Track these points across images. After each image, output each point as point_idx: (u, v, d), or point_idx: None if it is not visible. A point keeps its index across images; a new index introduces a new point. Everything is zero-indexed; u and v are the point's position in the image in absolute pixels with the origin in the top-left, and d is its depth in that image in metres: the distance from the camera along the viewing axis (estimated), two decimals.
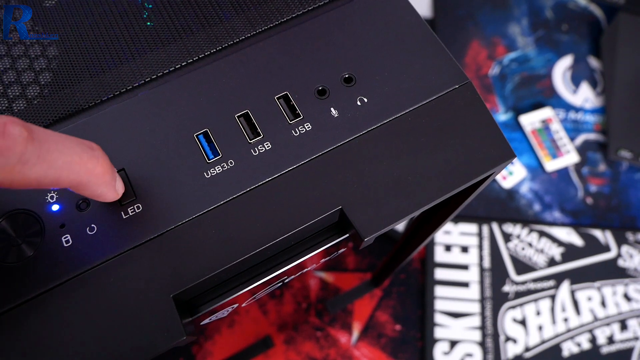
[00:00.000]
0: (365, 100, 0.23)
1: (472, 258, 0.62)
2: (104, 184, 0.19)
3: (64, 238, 0.20)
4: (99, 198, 0.20)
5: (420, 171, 0.22)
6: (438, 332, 0.59)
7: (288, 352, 0.58)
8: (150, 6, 0.25)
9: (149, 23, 0.24)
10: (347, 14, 0.25)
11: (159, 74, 0.23)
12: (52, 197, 0.21)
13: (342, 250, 0.35)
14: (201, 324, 0.26)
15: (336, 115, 0.23)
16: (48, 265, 0.20)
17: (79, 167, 0.17)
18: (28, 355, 0.19)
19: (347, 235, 0.23)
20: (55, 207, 0.21)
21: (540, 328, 0.59)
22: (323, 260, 0.38)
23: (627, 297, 0.61)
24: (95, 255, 0.20)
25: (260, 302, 0.60)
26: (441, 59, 0.24)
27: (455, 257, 0.63)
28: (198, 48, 0.24)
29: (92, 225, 0.20)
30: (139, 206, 0.21)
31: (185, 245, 0.20)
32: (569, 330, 0.60)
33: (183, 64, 0.24)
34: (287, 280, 0.32)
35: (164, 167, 0.21)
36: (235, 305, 0.28)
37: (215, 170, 0.21)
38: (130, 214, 0.21)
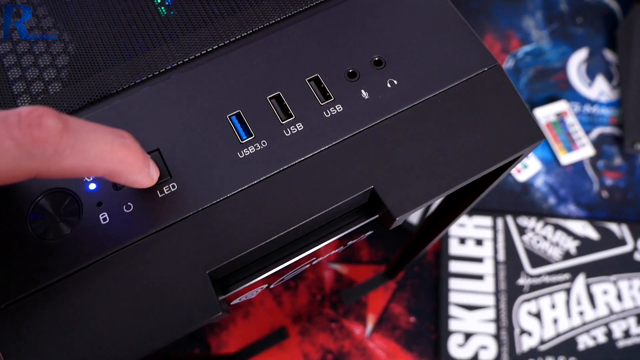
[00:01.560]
0: (396, 82, 0.23)
1: (486, 251, 0.62)
2: (137, 171, 0.19)
3: (102, 216, 0.21)
4: (134, 185, 0.20)
5: (451, 152, 0.22)
6: (452, 325, 0.59)
7: (303, 343, 0.59)
8: None
9: (172, 12, 0.25)
10: None
11: (191, 57, 0.24)
12: (89, 176, 0.21)
13: (365, 236, 0.35)
14: (231, 303, 0.26)
15: (367, 97, 0.23)
16: (86, 242, 0.20)
17: (111, 156, 0.18)
18: (69, 328, 0.19)
19: (377, 216, 0.23)
20: (92, 186, 0.21)
21: (555, 321, 0.59)
22: (351, 242, 0.38)
23: None
24: (132, 233, 0.20)
25: (274, 294, 0.61)
26: (470, 42, 0.24)
27: (470, 249, 0.63)
28: (229, 32, 0.24)
29: (129, 203, 0.21)
30: (174, 185, 0.21)
31: (220, 223, 0.21)
32: (584, 324, 0.59)
33: (214, 47, 0.24)
34: (315, 262, 0.32)
35: (198, 148, 0.22)
36: (265, 286, 0.28)
37: (248, 150, 0.22)
38: (166, 192, 0.21)
